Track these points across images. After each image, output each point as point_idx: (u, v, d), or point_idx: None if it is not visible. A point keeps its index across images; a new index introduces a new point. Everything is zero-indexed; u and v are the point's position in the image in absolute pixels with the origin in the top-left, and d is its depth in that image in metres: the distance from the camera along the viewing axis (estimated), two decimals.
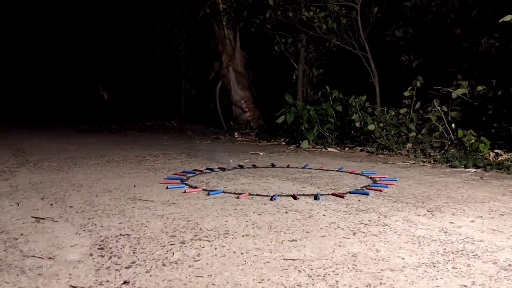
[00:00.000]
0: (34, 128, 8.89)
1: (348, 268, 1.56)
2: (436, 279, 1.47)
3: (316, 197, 2.69)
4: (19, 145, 5.60)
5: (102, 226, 2.07)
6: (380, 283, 1.43)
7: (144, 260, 1.64)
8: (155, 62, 11.95)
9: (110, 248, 1.77)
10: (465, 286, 1.42)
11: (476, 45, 5.06)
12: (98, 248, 1.76)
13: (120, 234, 1.94)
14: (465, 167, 4.09)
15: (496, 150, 4.41)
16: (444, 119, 4.86)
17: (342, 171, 3.83)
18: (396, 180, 3.33)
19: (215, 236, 1.93)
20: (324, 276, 1.49)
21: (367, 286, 1.41)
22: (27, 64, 13.00)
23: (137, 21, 11.62)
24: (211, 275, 1.50)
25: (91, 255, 1.69)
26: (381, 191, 2.93)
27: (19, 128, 8.73)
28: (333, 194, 2.81)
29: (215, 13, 8.81)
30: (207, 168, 3.89)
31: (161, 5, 10.87)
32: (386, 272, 1.52)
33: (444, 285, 1.42)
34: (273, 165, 4.14)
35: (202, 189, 2.95)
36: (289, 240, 1.87)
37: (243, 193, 2.81)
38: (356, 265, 1.59)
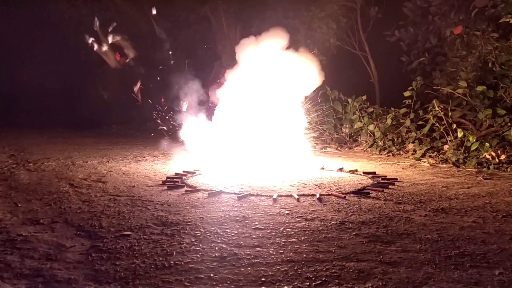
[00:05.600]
0: (34, 127, 8.88)
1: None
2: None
3: (316, 197, 2.69)
4: (19, 144, 5.59)
5: (101, 227, 2.06)
6: None
7: (144, 260, 1.63)
8: (155, 62, 11.94)
9: (109, 248, 1.76)
10: None
11: (476, 45, 5.06)
12: (97, 249, 1.76)
13: (120, 234, 1.94)
14: (465, 167, 4.08)
15: (496, 150, 4.40)
16: (444, 119, 4.86)
17: (342, 171, 3.83)
18: (396, 180, 3.33)
19: (215, 236, 1.92)
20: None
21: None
22: (26, 65, 12.99)
23: (137, 22, 11.62)
24: (211, 275, 1.49)
25: (90, 255, 1.68)
26: (381, 191, 2.92)
27: (18, 127, 8.72)
28: (334, 194, 2.80)
29: (215, 13, 8.80)
30: (207, 168, 3.88)
31: (161, 5, 10.85)
32: None
33: None
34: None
35: (202, 189, 2.95)
36: (289, 241, 1.86)
37: (244, 193, 2.80)
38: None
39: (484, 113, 4.62)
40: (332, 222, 2.15)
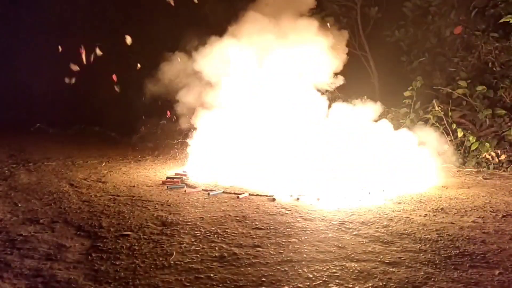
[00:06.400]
0: (33, 128, 8.86)
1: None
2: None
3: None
4: (19, 144, 5.59)
5: (101, 226, 2.06)
6: None
7: (144, 260, 1.63)
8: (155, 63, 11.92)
9: (109, 248, 1.76)
10: None
11: (476, 45, 5.05)
12: (97, 249, 1.76)
13: (120, 234, 1.94)
14: (465, 167, 4.08)
15: (496, 150, 4.40)
16: (444, 119, 4.85)
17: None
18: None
19: (215, 236, 1.92)
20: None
21: None
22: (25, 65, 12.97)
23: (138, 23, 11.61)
24: (210, 276, 1.49)
25: (90, 255, 1.68)
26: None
27: (18, 127, 8.71)
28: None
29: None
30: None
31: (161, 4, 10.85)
32: None
33: None
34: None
35: (202, 189, 2.94)
36: (289, 241, 1.86)
37: (243, 193, 2.80)
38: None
39: (484, 113, 4.62)
40: (332, 222, 2.14)
